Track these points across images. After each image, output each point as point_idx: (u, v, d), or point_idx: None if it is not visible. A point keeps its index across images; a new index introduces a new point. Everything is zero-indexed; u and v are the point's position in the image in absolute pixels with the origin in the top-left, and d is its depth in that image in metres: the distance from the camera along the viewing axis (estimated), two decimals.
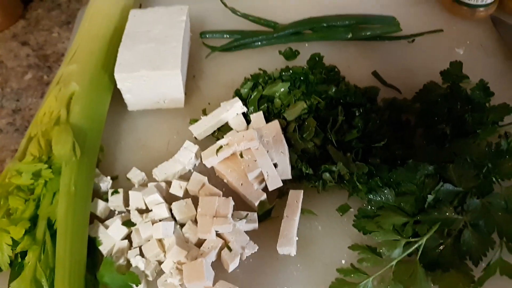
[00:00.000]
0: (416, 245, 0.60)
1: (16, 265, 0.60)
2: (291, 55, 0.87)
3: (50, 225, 0.61)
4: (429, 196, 0.62)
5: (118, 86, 0.75)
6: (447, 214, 0.61)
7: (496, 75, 0.84)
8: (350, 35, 0.88)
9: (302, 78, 0.78)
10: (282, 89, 0.76)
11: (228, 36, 0.91)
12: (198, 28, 0.92)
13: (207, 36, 0.91)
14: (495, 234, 0.59)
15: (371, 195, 0.65)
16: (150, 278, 0.61)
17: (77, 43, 0.79)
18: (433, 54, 0.87)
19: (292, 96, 0.74)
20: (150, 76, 0.74)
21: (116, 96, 0.77)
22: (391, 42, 0.90)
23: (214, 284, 0.59)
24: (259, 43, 0.89)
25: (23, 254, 0.60)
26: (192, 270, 0.58)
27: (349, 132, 0.70)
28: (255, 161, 0.68)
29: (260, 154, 0.68)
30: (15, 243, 0.60)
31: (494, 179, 0.64)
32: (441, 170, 0.64)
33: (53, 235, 0.60)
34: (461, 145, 0.67)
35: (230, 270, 0.62)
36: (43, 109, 0.70)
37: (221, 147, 0.69)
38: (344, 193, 0.69)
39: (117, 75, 0.73)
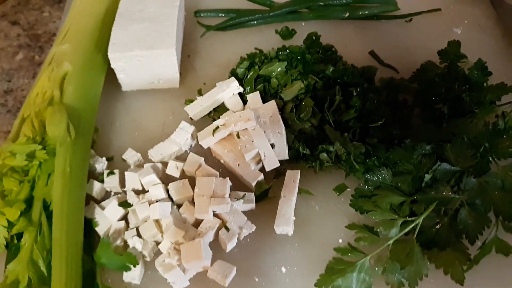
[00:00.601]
0: (413, 224, 0.60)
1: (12, 247, 0.60)
2: (287, 34, 0.86)
3: (46, 206, 0.61)
4: (426, 175, 0.62)
5: (112, 66, 0.74)
6: (444, 193, 0.61)
7: (494, 54, 0.83)
8: (347, 14, 0.87)
9: (299, 57, 0.78)
10: (279, 69, 0.75)
11: (223, 15, 0.89)
12: (193, 7, 0.91)
13: (202, 15, 0.90)
14: (491, 213, 0.60)
15: (368, 175, 0.65)
16: (148, 259, 0.61)
17: (69, 22, 0.77)
18: (431, 34, 0.86)
19: (289, 76, 0.73)
20: (145, 56, 0.72)
21: (110, 76, 0.76)
22: (388, 21, 0.88)
23: (212, 264, 0.60)
24: (255, 22, 0.87)
25: (19, 235, 0.60)
26: (190, 250, 0.58)
27: (346, 112, 0.70)
28: (252, 141, 0.67)
29: (257, 134, 0.68)
30: (10, 224, 0.59)
31: (491, 158, 0.64)
32: (439, 150, 0.64)
33: (49, 216, 0.60)
34: (458, 124, 0.67)
35: (227, 250, 0.62)
36: (36, 89, 0.69)
37: (217, 127, 0.68)
38: (341, 173, 0.69)
39: (110, 55, 0.72)
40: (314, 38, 0.82)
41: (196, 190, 0.64)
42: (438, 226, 0.60)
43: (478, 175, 0.62)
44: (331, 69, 0.74)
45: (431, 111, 0.72)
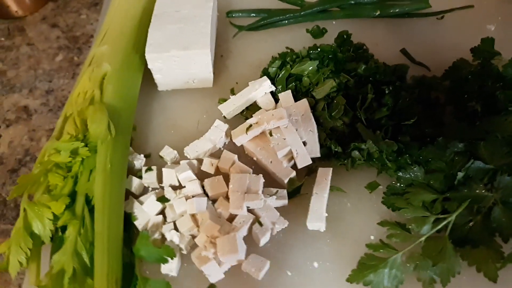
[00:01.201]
0: (445, 222, 0.61)
1: (57, 239, 0.63)
2: (318, 33, 0.87)
3: (88, 200, 0.64)
4: (459, 173, 0.62)
5: (149, 66, 0.76)
6: (477, 191, 0.61)
7: None
8: (377, 12, 0.87)
9: (330, 56, 0.78)
10: (310, 68, 0.76)
11: (254, 15, 0.91)
12: (225, 8, 0.93)
13: (234, 15, 0.92)
14: None
15: (400, 173, 0.66)
16: (185, 252, 0.64)
17: (107, 24, 0.81)
18: (463, 31, 0.86)
19: (320, 74, 0.74)
20: (180, 56, 0.75)
21: (147, 76, 0.79)
22: (419, 19, 0.88)
23: (246, 257, 0.61)
24: (286, 21, 0.89)
25: (63, 228, 0.63)
26: (225, 244, 0.60)
27: (378, 110, 0.70)
28: (284, 139, 0.69)
29: (289, 132, 0.69)
30: (55, 218, 0.62)
31: None
32: (471, 148, 0.64)
33: (91, 210, 0.63)
34: (492, 122, 0.66)
35: (261, 245, 0.64)
36: (77, 89, 0.72)
37: (250, 125, 0.70)
38: (373, 170, 0.70)
39: (148, 56, 0.75)
40: (345, 36, 0.83)
41: (230, 186, 0.66)
42: (471, 224, 0.60)
43: None
44: (363, 67, 0.74)
45: (464, 109, 0.71)
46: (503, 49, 0.76)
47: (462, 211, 0.61)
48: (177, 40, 0.75)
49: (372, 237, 0.64)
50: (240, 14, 0.91)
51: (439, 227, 0.61)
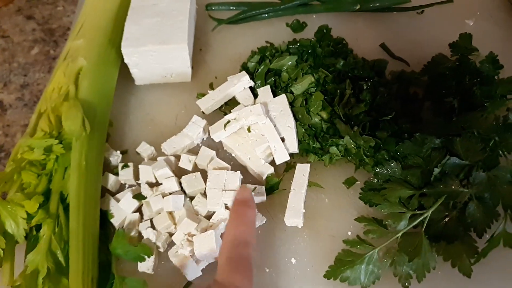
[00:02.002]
0: (421, 218, 0.61)
1: (31, 238, 0.62)
2: (298, 27, 0.86)
3: (63, 199, 0.63)
4: (435, 169, 0.63)
5: (125, 61, 0.75)
6: (453, 187, 0.61)
7: (506, 46, 0.83)
8: (358, 7, 0.86)
9: (309, 51, 0.78)
10: (289, 63, 0.75)
11: (234, 8, 0.90)
12: (204, 0, 0.91)
13: (213, 8, 0.90)
14: (499, 206, 0.60)
15: (378, 168, 0.66)
16: (162, 250, 0.63)
17: (83, 17, 0.79)
18: (442, 26, 0.86)
19: (299, 70, 0.74)
20: (157, 51, 0.73)
21: (124, 71, 0.77)
22: (399, 13, 0.88)
23: None
24: (266, 15, 0.88)
25: (38, 227, 0.61)
26: (203, 242, 0.60)
27: (356, 106, 0.70)
28: (263, 135, 0.69)
29: (267, 128, 0.69)
30: (29, 216, 0.61)
31: (501, 152, 0.64)
32: (448, 144, 0.64)
33: (66, 209, 0.62)
34: (468, 118, 0.67)
35: None
36: (52, 84, 0.70)
37: (229, 121, 0.69)
38: (351, 166, 0.70)
39: (124, 50, 0.73)
40: (325, 31, 0.83)
41: (208, 183, 0.65)
42: (446, 220, 0.61)
43: (488, 169, 0.62)
44: (341, 63, 0.74)
45: (442, 105, 0.72)
46: (481, 44, 0.76)
47: (438, 207, 0.61)
48: (154, 34, 0.74)
49: (349, 233, 0.64)
50: (220, 7, 0.90)
51: (415, 223, 0.61)
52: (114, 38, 0.76)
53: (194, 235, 0.61)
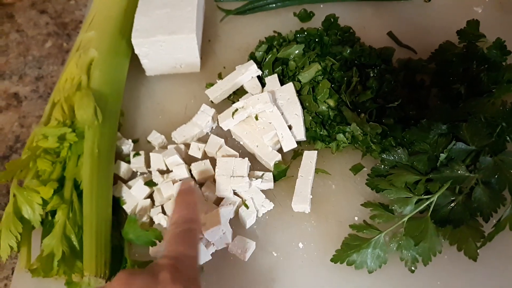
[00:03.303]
0: (427, 202, 0.62)
1: (47, 223, 0.64)
2: (305, 16, 0.87)
3: (77, 185, 0.65)
4: (441, 154, 0.63)
5: (136, 52, 0.77)
6: (459, 172, 0.62)
7: None
8: None
9: (316, 39, 0.79)
10: (296, 51, 0.76)
11: None
12: None
13: None
14: (506, 191, 0.60)
15: (385, 155, 0.67)
16: None
17: (94, 10, 0.81)
18: (450, 13, 0.86)
19: (306, 58, 0.74)
20: (167, 41, 0.75)
21: (134, 62, 0.79)
22: (407, 1, 0.88)
23: (232, 239, 0.63)
24: (274, 5, 0.88)
25: (53, 213, 0.64)
26: (209, 219, 0.61)
27: (363, 93, 0.71)
28: (270, 123, 0.70)
29: (275, 116, 0.70)
30: (45, 202, 0.63)
31: (508, 137, 0.64)
32: (454, 129, 0.65)
33: (80, 195, 0.64)
34: (475, 104, 0.67)
35: (247, 227, 0.65)
36: (65, 75, 0.72)
37: (236, 110, 0.71)
38: (357, 153, 0.71)
39: (134, 41, 0.75)
40: (332, 20, 0.83)
41: (216, 170, 0.66)
42: (453, 204, 0.61)
43: (494, 154, 0.62)
44: (348, 51, 0.75)
45: (448, 92, 0.72)
46: (489, 31, 0.76)
47: (444, 192, 0.62)
48: (163, 25, 0.76)
49: (356, 218, 0.65)
50: None
51: (422, 207, 0.62)
52: (125, 30, 0.78)
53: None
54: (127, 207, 0.67)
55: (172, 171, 0.68)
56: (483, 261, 0.59)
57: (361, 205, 0.65)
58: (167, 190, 0.66)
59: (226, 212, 0.63)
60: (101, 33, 0.76)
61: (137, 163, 0.70)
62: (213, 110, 0.74)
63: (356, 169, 0.69)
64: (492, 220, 0.60)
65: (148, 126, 0.76)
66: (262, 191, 0.67)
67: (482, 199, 0.61)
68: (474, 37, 0.75)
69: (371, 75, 0.72)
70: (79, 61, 0.73)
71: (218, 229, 0.61)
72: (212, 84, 0.78)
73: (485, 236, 0.59)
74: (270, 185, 0.67)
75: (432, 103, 0.73)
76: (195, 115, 0.74)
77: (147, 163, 0.71)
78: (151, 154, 0.70)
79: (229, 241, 0.62)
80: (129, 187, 0.68)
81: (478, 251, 0.59)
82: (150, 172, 0.70)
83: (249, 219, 0.64)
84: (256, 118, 0.71)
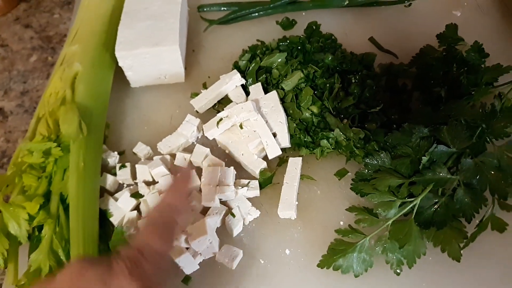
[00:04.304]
0: (411, 205, 0.62)
1: (34, 239, 0.64)
2: (288, 24, 0.88)
3: (63, 199, 0.65)
4: (423, 158, 0.64)
5: (120, 64, 0.77)
6: (441, 174, 0.63)
7: (494, 35, 0.84)
8: (346, 2, 0.88)
9: (299, 47, 0.80)
10: (279, 60, 0.77)
11: (225, 8, 0.92)
12: (196, 2, 0.93)
13: (205, 9, 0.92)
14: (487, 192, 0.61)
15: (368, 159, 0.67)
16: None
17: (77, 23, 0.81)
18: (430, 18, 0.87)
19: (289, 66, 0.75)
20: (150, 53, 0.75)
21: (119, 73, 0.80)
22: (388, 7, 0.90)
23: (220, 248, 0.63)
24: (256, 14, 0.90)
25: (40, 227, 0.63)
26: (195, 229, 0.62)
27: (345, 99, 0.72)
28: (255, 131, 0.70)
29: (259, 124, 0.70)
30: (31, 218, 0.63)
31: (488, 139, 0.65)
32: (436, 132, 0.66)
33: (66, 209, 0.64)
34: (455, 107, 0.68)
35: (234, 235, 0.65)
36: (49, 90, 0.72)
37: (221, 119, 0.71)
38: (342, 158, 0.71)
39: (117, 54, 0.75)
40: (314, 27, 0.84)
41: (202, 179, 0.67)
42: (436, 206, 0.62)
43: (475, 156, 0.63)
44: (330, 58, 0.76)
45: (430, 95, 0.73)
46: (469, 34, 0.78)
47: (427, 194, 0.62)
48: (146, 37, 0.76)
49: (341, 223, 0.66)
50: (211, 8, 0.92)
51: (405, 210, 0.62)
52: (108, 42, 0.78)
53: None
54: (114, 220, 0.67)
55: (158, 182, 0.69)
56: (467, 261, 0.60)
57: (346, 209, 0.65)
58: (153, 201, 0.66)
59: (212, 222, 0.64)
60: (85, 46, 0.77)
61: (123, 175, 0.71)
62: (198, 120, 0.74)
63: (340, 174, 0.70)
64: (474, 220, 0.61)
65: (133, 138, 0.76)
66: (249, 199, 0.68)
67: (464, 200, 0.61)
68: (453, 40, 0.76)
69: (353, 81, 0.73)
70: (63, 75, 0.73)
71: (204, 239, 0.61)
72: (197, 94, 0.78)
73: (468, 237, 0.60)
74: (256, 192, 0.68)
75: (414, 106, 0.75)
76: (180, 125, 0.75)
77: (133, 175, 0.71)
78: (137, 165, 0.70)
79: (216, 251, 0.63)
80: (116, 200, 0.68)
81: (461, 251, 0.59)
82: (136, 183, 0.71)
83: (236, 227, 0.65)
84: (241, 126, 0.71)
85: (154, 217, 0.50)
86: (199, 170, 0.70)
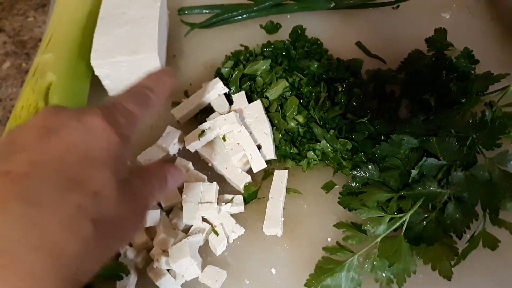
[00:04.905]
0: (400, 221, 0.60)
1: None
2: (272, 28, 0.85)
3: None
4: (413, 171, 0.62)
5: (96, 73, 0.73)
6: (431, 188, 0.61)
7: (483, 38, 0.82)
8: (332, 4, 0.85)
9: (284, 53, 0.77)
10: (263, 67, 0.74)
11: (207, 11, 0.88)
12: (176, 5, 0.89)
13: (186, 12, 0.89)
14: (478, 206, 0.59)
15: (356, 172, 0.65)
16: (140, 266, 0.62)
17: (51, 30, 0.77)
18: (418, 20, 0.85)
19: (273, 74, 0.72)
20: (128, 61, 0.72)
21: (96, 82, 0.76)
22: (375, 9, 0.87)
23: (202, 269, 0.60)
24: (240, 17, 0.86)
25: None
26: (176, 251, 0.59)
27: (332, 109, 0.69)
28: (238, 144, 0.67)
29: (243, 136, 0.67)
30: None
31: (478, 149, 0.63)
32: (425, 144, 0.63)
33: None
34: (445, 117, 0.66)
35: (218, 254, 0.63)
36: (21, 102, 0.68)
37: (203, 131, 0.68)
38: (329, 170, 0.69)
39: (93, 62, 0.72)
40: (299, 31, 0.81)
41: (184, 196, 0.64)
42: (425, 222, 0.60)
43: (465, 168, 0.61)
44: (315, 65, 0.73)
45: (418, 102, 0.71)
46: (458, 37, 0.75)
47: (417, 209, 0.60)
48: (123, 44, 0.72)
49: (329, 239, 0.64)
50: (192, 11, 0.88)
51: (395, 227, 0.60)
52: (84, 50, 0.74)
53: None
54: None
55: None
56: (459, 279, 0.58)
57: (334, 225, 0.63)
58: None
59: (194, 242, 0.61)
60: (59, 55, 0.73)
61: None
62: (179, 132, 0.71)
63: (328, 187, 0.68)
64: (466, 236, 0.59)
65: None
66: (233, 215, 0.65)
67: (455, 215, 0.60)
68: (442, 46, 0.74)
69: (340, 89, 0.71)
70: (36, 86, 0.70)
71: (186, 261, 0.58)
72: (178, 103, 0.75)
73: (459, 254, 0.58)
74: (240, 208, 0.65)
75: (402, 114, 0.72)
76: (160, 136, 0.72)
77: None
78: None
79: (199, 272, 0.60)
80: None
81: (452, 269, 0.58)
82: None
83: (220, 246, 0.62)
84: (224, 139, 0.68)
85: (127, 89, 0.52)
86: (180, 185, 0.67)
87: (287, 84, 0.71)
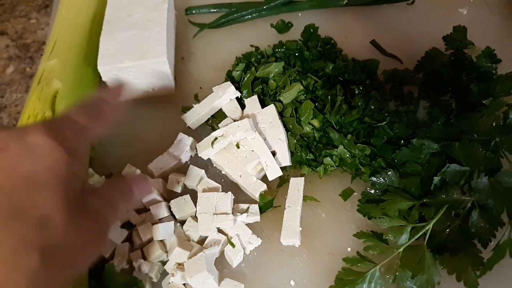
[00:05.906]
0: (423, 230, 0.58)
1: None
2: (283, 27, 0.82)
3: None
4: (435, 178, 0.60)
5: (103, 79, 0.71)
6: (455, 195, 0.59)
7: (502, 34, 0.79)
8: (345, 1, 0.82)
9: (296, 54, 0.74)
10: (276, 69, 0.71)
11: (215, 10, 0.85)
12: (183, 4, 0.86)
13: (193, 12, 0.86)
14: (504, 214, 0.57)
15: (375, 178, 0.63)
16: (155, 280, 0.61)
17: (55, 34, 0.74)
18: (434, 16, 0.82)
19: (287, 77, 0.70)
20: (136, 67, 0.69)
21: (103, 87, 0.73)
22: (389, 5, 0.84)
23: (219, 283, 0.59)
24: (249, 16, 0.83)
25: None
26: (192, 265, 0.57)
27: (349, 113, 0.67)
28: (252, 151, 0.65)
29: (257, 143, 0.65)
30: None
31: (502, 153, 0.61)
32: (447, 149, 0.61)
33: None
34: (467, 121, 0.63)
35: (234, 266, 0.61)
36: (27, 111, 0.66)
37: (216, 138, 0.66)
38: (347, 176, 0.67)
39: (100, 68, 0.69)
40: (312, 30, 0.79)
41: (198, 207, 0.62)
42: (448, 230, 0.58)
43: (490, 174, 0.59)
44: (330, 67, 0.70)
45: (438, 105, 0.68)
46: (476, 34, 0.73)
47: (440, 217, 0.58)
48: (131, 49, 0.70)
49: (349, 249, 0.62)
50: (200, 10, 0.85)
51: (418, 236, 0.58)
52: (90, 55, 0.72)
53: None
54: (105, 252, 0.62)
55: (149, 210, 0.64)
56: None
57: (354, 235, 0.61)
58: (145, 234, 0.61)
59: (210, 255, 0.59)
60: (65, 61, 0.71)
61: None
62: (190, 139, 0.69)
63: (346, 194, 0.65)
64: (491, 244, 0.57)
65: (121, 158, 0.70)
66: (249, 225, 0.63)
67: (480, 223, 0.58)
68: (462, 44, 0.71)
69: (356, 92, 0.68)
70: (42, 94, 0.67)
71: (203, 275, 0.56)
72: (188, 108, 0.73)
73: (485, 264, 0.56)
74: (256, 218, 0.63)
75: (422, 117, 0.70)
76: (171, 143, 0.69)
77: None
78: None
79: (216, 286, 0.58)
80: None
81: (478, 280, 0.56)
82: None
83: (236, 258, 0.60)
84: (238, 146, 0.66)
85: (79, 103, 0.49)
86: (194, 193, 0.65)
87: (301, 87, 0.68)
